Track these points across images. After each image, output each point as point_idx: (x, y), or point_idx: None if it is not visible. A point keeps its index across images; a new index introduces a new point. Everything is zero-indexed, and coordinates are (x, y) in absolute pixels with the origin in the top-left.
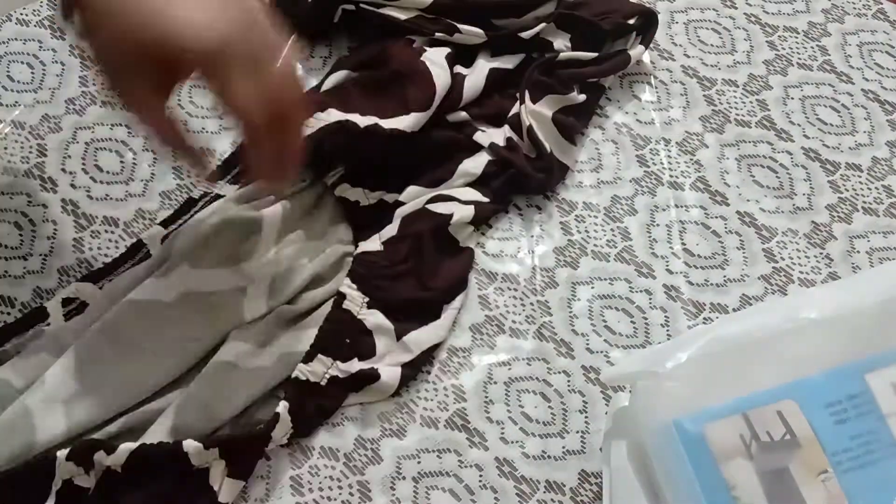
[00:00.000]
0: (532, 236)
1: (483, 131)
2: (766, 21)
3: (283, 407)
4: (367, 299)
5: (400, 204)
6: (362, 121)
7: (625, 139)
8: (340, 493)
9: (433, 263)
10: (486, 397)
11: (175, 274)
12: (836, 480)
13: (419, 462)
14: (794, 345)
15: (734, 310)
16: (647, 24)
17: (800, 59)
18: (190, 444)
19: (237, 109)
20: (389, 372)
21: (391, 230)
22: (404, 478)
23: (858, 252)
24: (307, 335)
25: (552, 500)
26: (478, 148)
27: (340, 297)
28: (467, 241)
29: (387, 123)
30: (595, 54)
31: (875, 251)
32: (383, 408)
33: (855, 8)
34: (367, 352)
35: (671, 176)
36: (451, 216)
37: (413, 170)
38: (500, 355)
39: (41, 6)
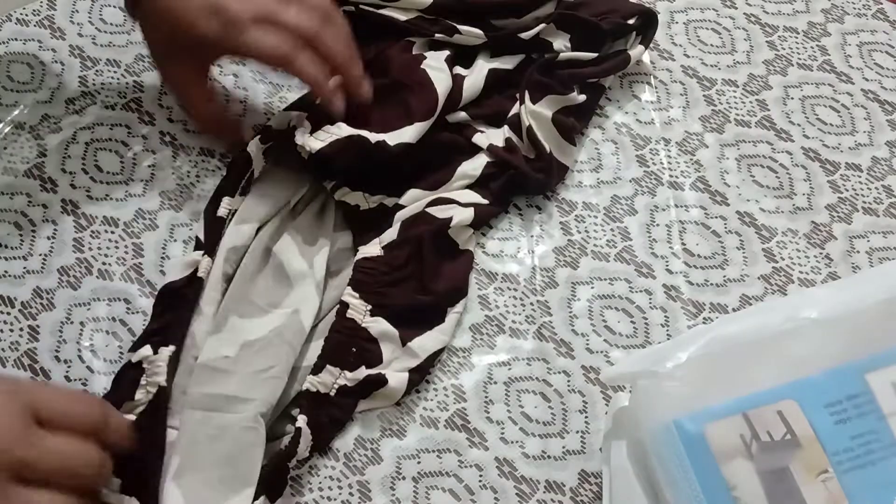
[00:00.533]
0: (532, 236)
1: (482, 132)
2: (766, 21)
3: (302, 420)
4: (369, 307)
5: (400, 207)
6: (372, 136)
7: (625, 139)
8: (340, 493)
9: (433, 267)
10: (486, 397)
11: (227, 329)
12: (837, 480)
13: (419, 462)
14: (794, 345)
15: (734, 310)
16: (646, 25)
17: (800, 59)
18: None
19: (267, 59)
20: (397, 378)
21: (391, 234)
22: (404, 478)
23: (858, 252)
24: (314, 347)
25: (552, 500)
26: (476, 150)
27: (343, 306)
28: (467, 244)
29: (393, 139)
30: (595, 54)
31: (875, 251)
32: (383, 408)
33: (855, 8)
34: (374, 360)
35: (671, 176)
36: (450, 220)
37: (413, 173)
38: (500, 355)
39: (41, 6)
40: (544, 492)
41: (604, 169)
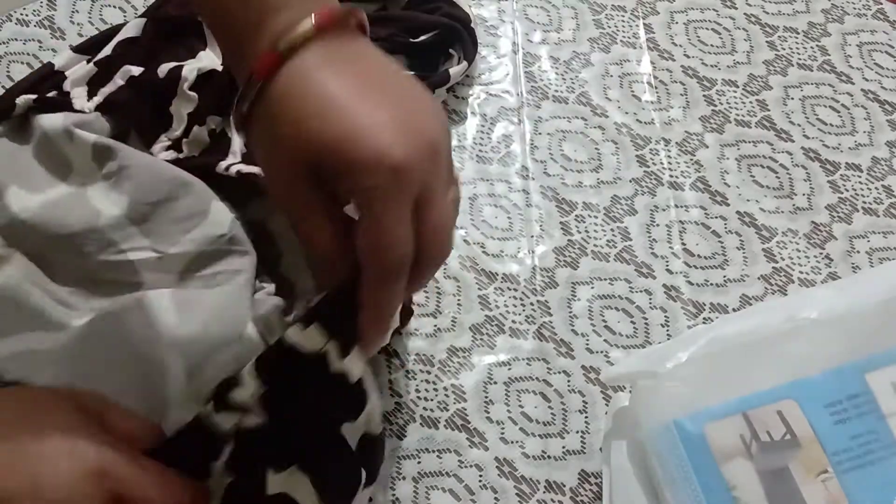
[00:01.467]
0: (532, 236)
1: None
2: (766, 21)
3: None
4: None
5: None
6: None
7: (625, 139)
8: None
9: None
10: (486, 397)
11: None
12: (837, 480)
13: (419, 462)
14: (794, 345)
15: (734, 310)
16: (458, 38)
17: (800, 59)
18: (296, 334)
19: (378, 248)
20: None
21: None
22: (404, 478)
23: (858, 252)
24: None
25: (552, 500)
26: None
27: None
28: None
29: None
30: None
31: (875, 251)
32: (383, 408)
33: (855, 8)
34: None
35: (671, 176)
36: None
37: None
38: (500, 355)
39: (41, 6)
40: (544, 492)
41: (604, 169)
